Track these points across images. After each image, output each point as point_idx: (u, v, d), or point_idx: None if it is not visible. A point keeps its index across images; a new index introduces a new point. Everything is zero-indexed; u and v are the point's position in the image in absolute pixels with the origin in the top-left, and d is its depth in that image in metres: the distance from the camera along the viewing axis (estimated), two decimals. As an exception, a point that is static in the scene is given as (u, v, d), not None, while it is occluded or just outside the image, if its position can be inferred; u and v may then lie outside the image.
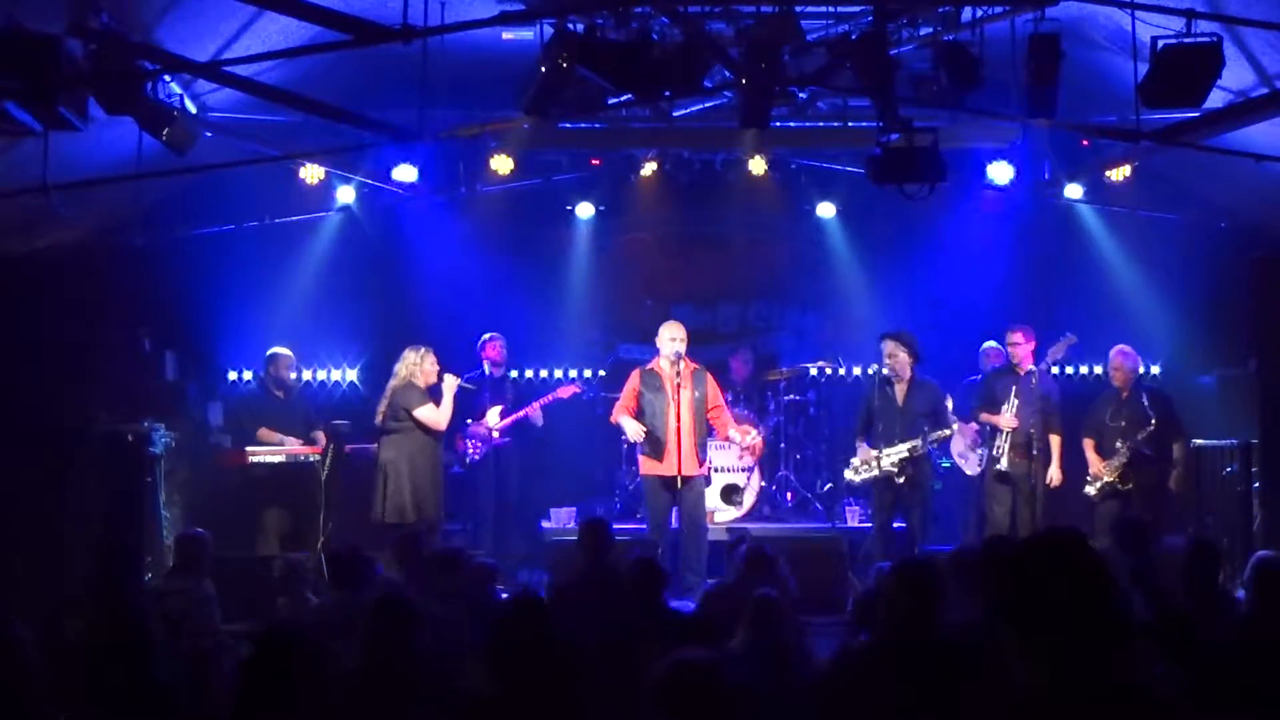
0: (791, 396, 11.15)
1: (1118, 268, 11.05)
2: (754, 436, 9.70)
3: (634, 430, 9.02)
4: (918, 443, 8.96)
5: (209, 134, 8.49)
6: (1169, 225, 10.66)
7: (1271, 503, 9.18)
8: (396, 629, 4.04)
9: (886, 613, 4.01)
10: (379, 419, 9.09)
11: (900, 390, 9.16)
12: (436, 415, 9.01)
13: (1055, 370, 10.03)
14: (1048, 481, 9.10)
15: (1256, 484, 9.32)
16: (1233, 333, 10.35)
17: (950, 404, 9.47)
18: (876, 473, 9.03)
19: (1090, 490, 9.20)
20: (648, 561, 5.79)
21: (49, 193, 7.16)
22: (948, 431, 9.18)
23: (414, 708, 3.84)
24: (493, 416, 10.08)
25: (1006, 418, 9.17)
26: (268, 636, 3.40)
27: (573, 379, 11.25)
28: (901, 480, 8.99)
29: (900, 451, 9.00)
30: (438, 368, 9.13)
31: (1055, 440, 9.18)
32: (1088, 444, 9.39)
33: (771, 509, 10.81)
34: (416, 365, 9.06)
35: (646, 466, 9.13)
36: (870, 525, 9.47)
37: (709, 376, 9.32)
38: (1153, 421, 9.02)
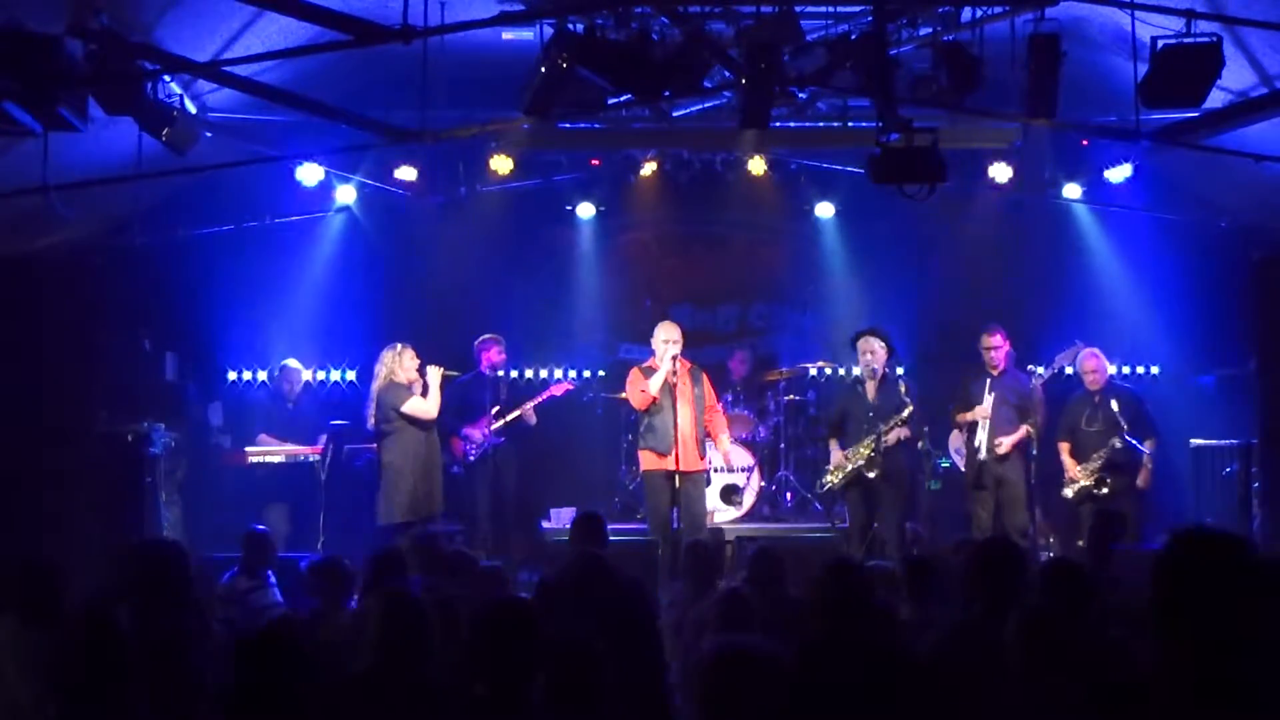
0: (791, 396, 11.15)
1: (1117, 268, 11.05)
2: (725, 445, 9.51)
3: (661, 370, 8.95)
4: (882, 431, 8.87)
5: (209, 134, 8.49)
6: (1169, 225, 10.65)
7: (1271, 503, 9.19)
8: (406, 630, 4.03)
9: (812, 617, 4.01)
10: (370, 423, 9.11)
11: (871, 388, 9.12)
12: (425, 406, 8.99)
13: (1056, 371, 10.03)
14: (994, 447, 9.03)
15: (1256, 484, 9.33)
16: (1233, 333, 10.35)
17: (903, 387, 9.19)
18: (850, 473, 9.02)
19: (1068, 493, 9.20)
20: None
21: (49, 193, 7.16)
22: (906, 414, 8.95)
23: (424, 709, 3.84)
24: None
25: (982, 408, 9.12)
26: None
27: (562, 378, 11.24)
28: (873, 475, 8.92)
29: (870, 446, 8.93)
30: (417, 362, 9.11)
31: (1023, 428, 9.07)
32: (1062, 447, 9.37)
33: (771, 509, 10.82)
34: (395, 362, 9.05)
35: (647, 462, 9.14)
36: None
37: (705, 375, 9.34)
38: (1124, 425, 8.99)
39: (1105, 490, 9.02)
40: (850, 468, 9.03)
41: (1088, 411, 9.30)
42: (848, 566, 4.16)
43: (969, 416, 9.26)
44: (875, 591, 4.08)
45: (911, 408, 8.96)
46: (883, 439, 8.90)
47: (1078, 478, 9.16)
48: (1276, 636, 2.45)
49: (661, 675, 5.23)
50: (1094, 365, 9.33)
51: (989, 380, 9.16)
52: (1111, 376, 9.58)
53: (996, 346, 9.16)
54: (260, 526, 7.70)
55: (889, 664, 3.88)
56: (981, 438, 9.15)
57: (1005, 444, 9.03)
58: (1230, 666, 2.39)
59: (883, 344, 9.08)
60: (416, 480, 8.97)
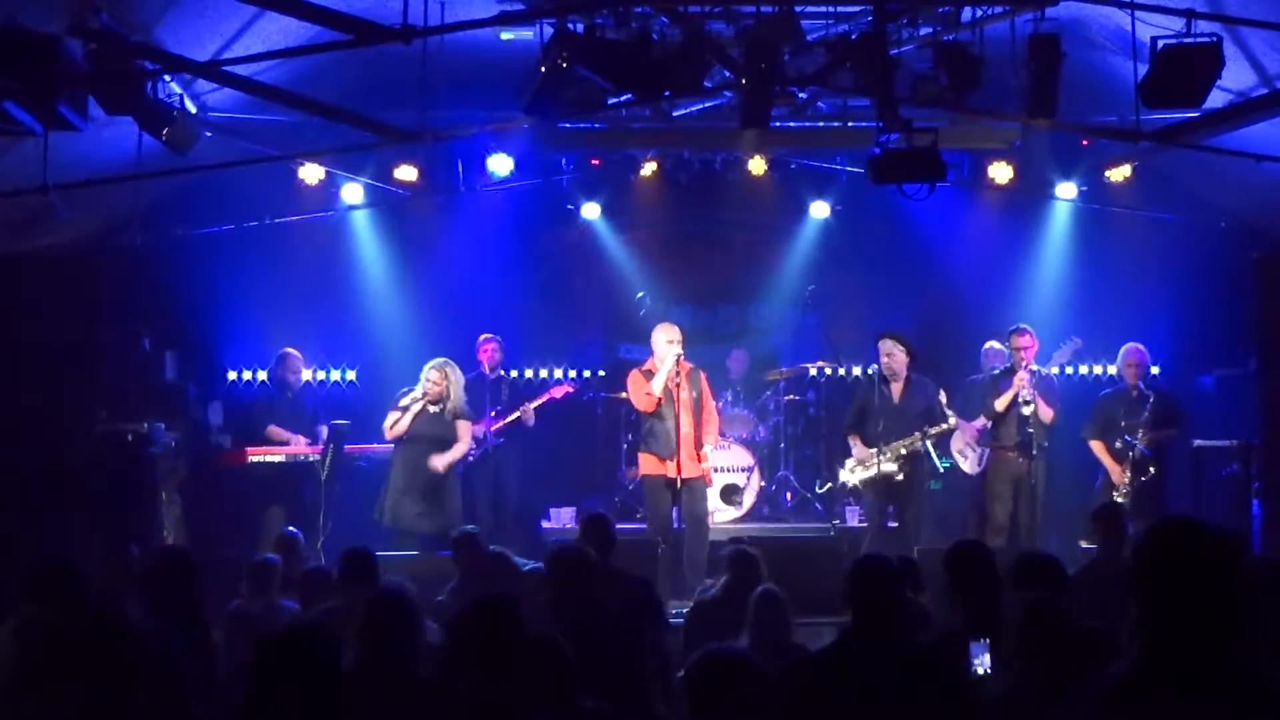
0: (791, 396, 11.15)
1: (1117, 268, 11.04)
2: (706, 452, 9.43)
3: (662, 371, 8.98)
4: (916, 438, 8.99)
5: (209, 134, 8.49)
6: (1169, 225, 10.65)
7: (1271, 503, 9.18)
8: (393, 626, 4.04)
9: (850, 614, 4.03)
10: None
11: (897, 389, 9.16)
12: (388, 425, 9.19)
13: (1055, 370, 10.03)
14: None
15: (1256, 484, 9.32)
16: (1233, 333, 10.34)
17: (944, 397, 9.37)
18: (874, 472, 9.03)
19: (1120, 498, 8.96)
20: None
21: (49, 193, 7.16)
22: (947, 425, 9.14)
23: (410, 705, 3.84)
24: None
25: (1016, 384, 9.11)
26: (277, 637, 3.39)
27: (563, 380, 11.23)
28: (900, 478, 9.01)
29: (900, 449, 9.02)
30: (437, 382, 9.12)
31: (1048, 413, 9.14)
32: (1098, 446, 9.28)
33: (771, 509, 10.82)
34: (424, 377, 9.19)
35: (648, 466, 9.14)
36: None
37: (703, 377, 9.34)
38: (1175, 421, 9.08)
39: (1147, 476, 8.98)
40: (876, 467, 9.03)
41: (1124, 406, 9.25)
42: (879, 561, 4.17)
43: (1005, 397, 9.19)
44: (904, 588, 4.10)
45: (953, 422, 9.09)
46: (919, 444, 9.01)
47: (1124, 481, 9.06)
48: (1256, 630, 2.45)
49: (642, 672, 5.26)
50: (1135, 359, 9.33)
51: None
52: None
53: (1026, 346, 9.18)
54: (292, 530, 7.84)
55: (918, 660, 3.90)
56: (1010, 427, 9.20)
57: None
58: (1208, 659, 2.39)
59: (900, 347, 9.12)
60: (401, 492, 9.07)
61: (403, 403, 9.13)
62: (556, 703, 3.65)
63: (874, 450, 9.05)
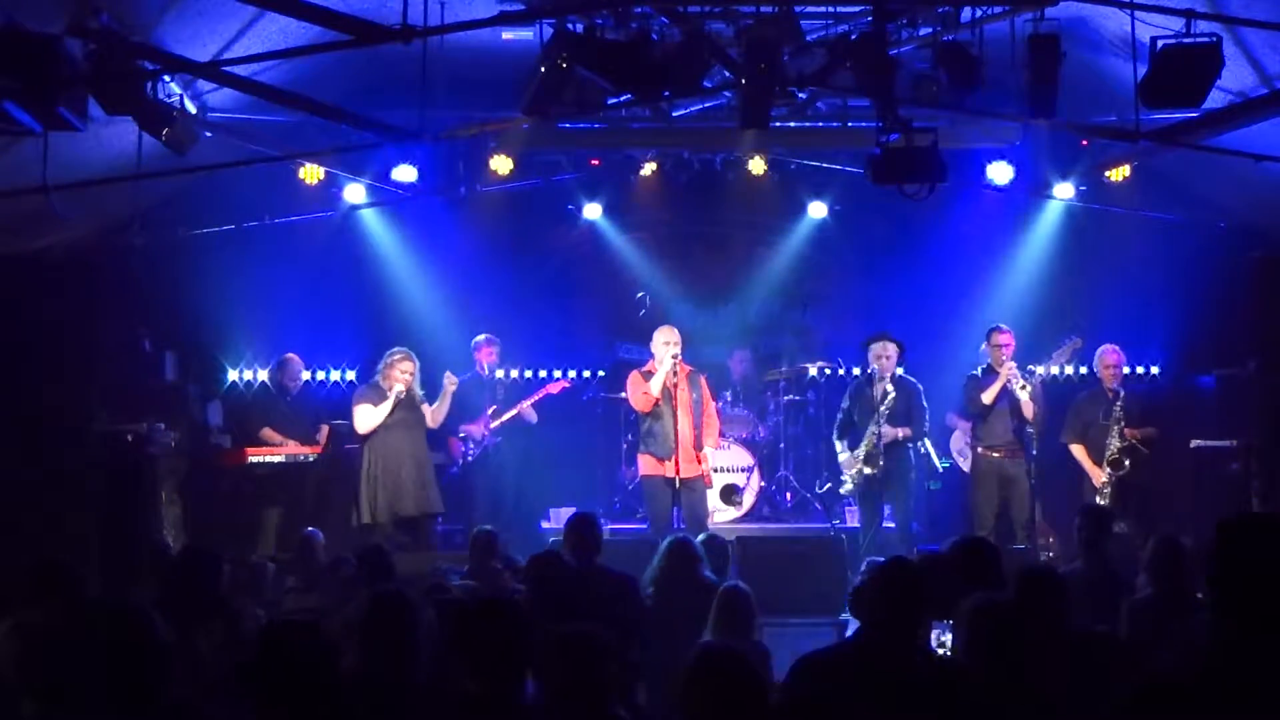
0: (791, 396, 11.15)
1: (1117, 268, 11.03)
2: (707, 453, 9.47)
3: (660, 372, 8.99)
4: (877, 433, 9.00)
5: (209, 134, 8.48)
6: (1169, 225, 10.64)
7: (1271, 503, 9.18)
8: (393, 627, 4.04)
9: (867, 614, 4.00)
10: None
11: (879, 390, 9.17)
12: (358, 419, 9.28)
13: (1056, 370, 10.04)
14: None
15: (1256, 484, 9.31)
16: (1233, 333, 10.34)
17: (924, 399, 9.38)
18: (854, 474, 9.18)
19: (1104, 501, 8.95)
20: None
21: (49, 193, 7.16)
22: (906, 432, 9.13)
23: (410, 705, 3.84)
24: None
25: (1004, 374, 9.12)
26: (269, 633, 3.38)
27: (560, 377, 11.24)
28: (872, 473, 9.06)
29: (866, 447, 9.07)
30: (408, 373, 9.22)
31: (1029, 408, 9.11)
32: (1077, 450, 9.29)
33: (771, 509, 10.81)
34: (383, 367, 9.25)
35: (647, 466, 9.14)
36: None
37: (703, 380, 9.35)
38: (1150, 419, 9.05)
39: (1123, 473, 8.97)
40: (855, 469, 9.18)
41: (1104, 407, 9.24)
42: (902, 563, 4.14)
43: (990, 391, 9.20)
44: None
45: (908, 432, 9.10)
46: (879, 437, 8.99)
47: (1106, 482, 9.05)
48: None
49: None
50: (1113, 360, 9.32)
51: (995, 380, 9.19)
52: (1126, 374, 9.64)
53: (1006, 344, 9.23)
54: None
55: (937, 663, 3.88)
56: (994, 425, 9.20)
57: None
58: None
59: (897, 347, 9.13)
60: (389, 478, 9.05)
61: (390, 395, 9.11)
62: (604, 703, 3.63)
63: (856, 452, 9.15)
